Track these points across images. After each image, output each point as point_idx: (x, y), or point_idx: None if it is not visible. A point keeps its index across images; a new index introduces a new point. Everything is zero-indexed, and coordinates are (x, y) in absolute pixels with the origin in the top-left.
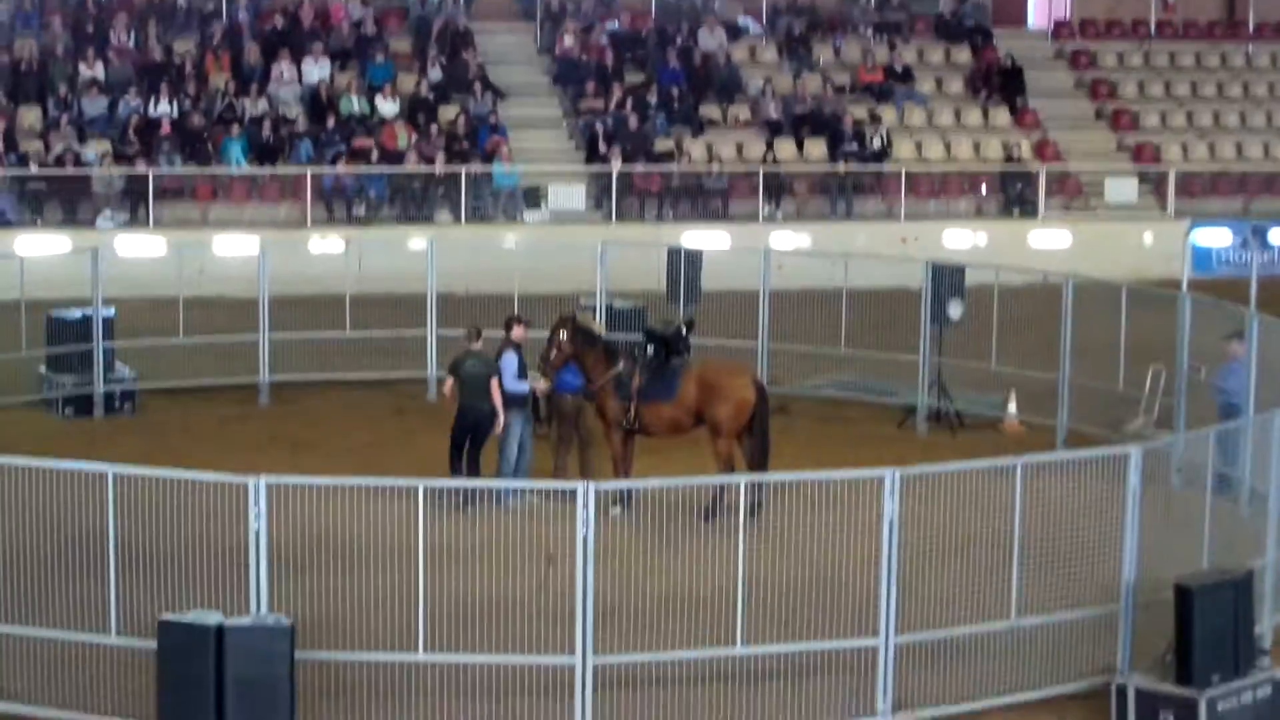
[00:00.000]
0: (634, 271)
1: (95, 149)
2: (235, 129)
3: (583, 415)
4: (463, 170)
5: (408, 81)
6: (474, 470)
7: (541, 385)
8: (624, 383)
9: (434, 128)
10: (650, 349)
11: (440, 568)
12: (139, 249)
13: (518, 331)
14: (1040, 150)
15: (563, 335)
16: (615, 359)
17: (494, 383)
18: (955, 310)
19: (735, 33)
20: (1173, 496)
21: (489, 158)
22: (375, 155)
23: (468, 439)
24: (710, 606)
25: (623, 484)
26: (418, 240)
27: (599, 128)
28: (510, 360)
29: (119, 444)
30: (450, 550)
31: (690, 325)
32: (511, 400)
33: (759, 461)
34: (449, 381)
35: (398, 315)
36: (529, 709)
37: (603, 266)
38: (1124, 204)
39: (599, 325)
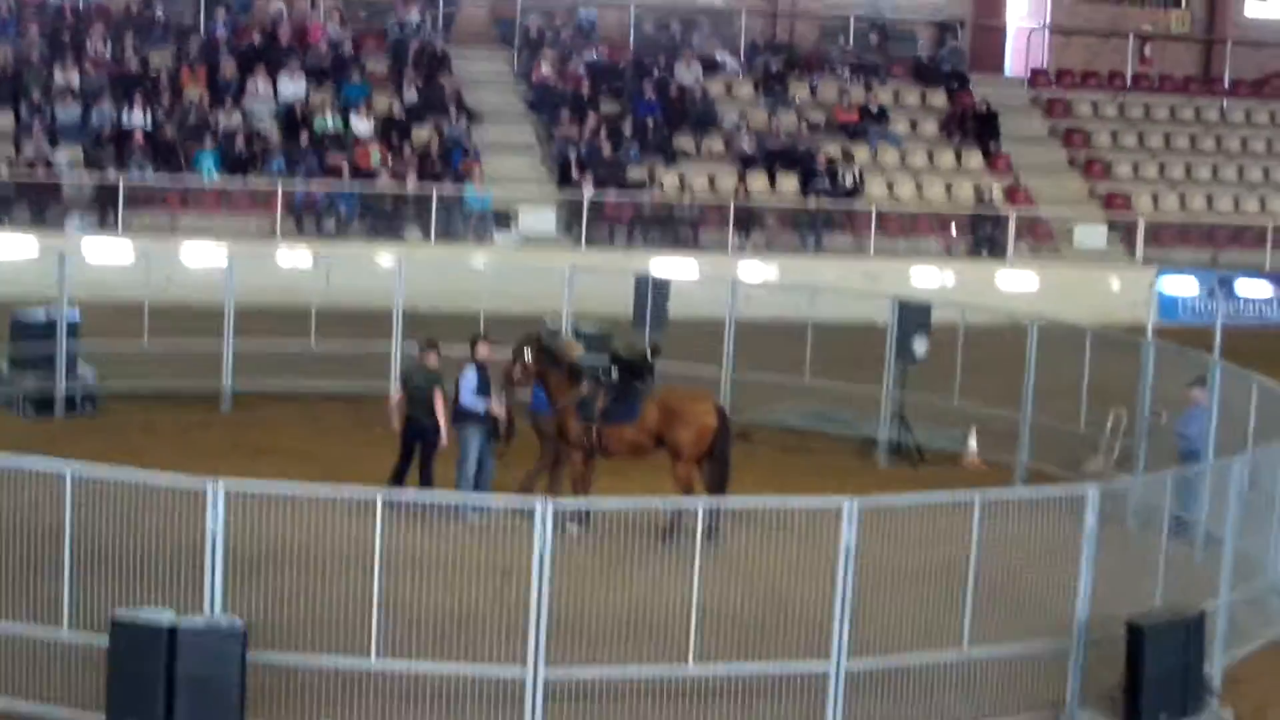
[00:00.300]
0: (602, 296)
1: (67, 155)
2: (209, 141)
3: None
4: (434, 190)
5: (383, 102)
6: (426, 485)
7: (496, 408)
8: (587, 404)
9: (407, 147)
10: (614, 372)
11: (396, 577)
12: (107, 254)
13: (482, 350)
14: (1011, 194)
15: (528, 355)
16: (579, 380)
17: (437, 397)
18: (920, 347)
19: (713, 68)
20: (1129, 537)
21: (461, 179)
22: (347, 172)
23: (413, 452)
24: (664, 626)
25: (581, 503)
26: (386, 257)
27: (572, 154)
28: (470, 377)
29: (79, 444)
30: (406, 560)
31: (656, 351)
32: (467, 416)
33: (718, 487)
34: (398, 394)
35: (364, 330)
36: (480, 719)
37: (570, 290)
38: (1093, 250)
39: (577, 347)
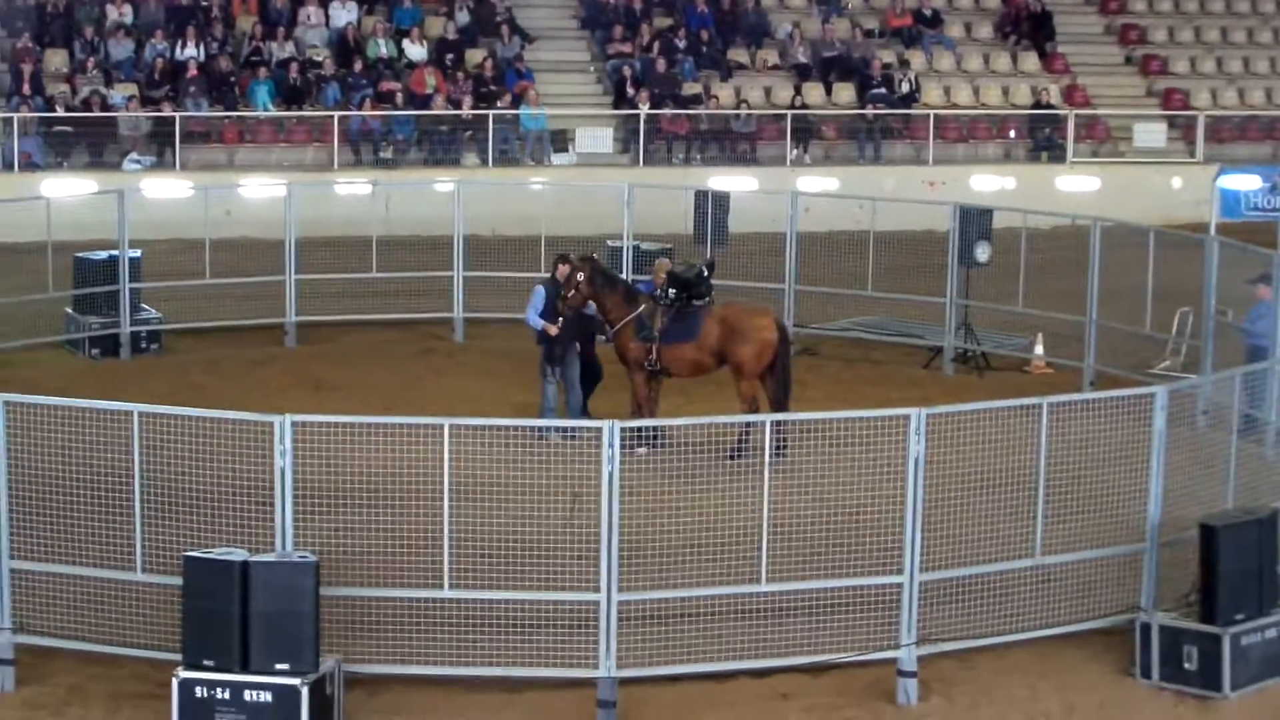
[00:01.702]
0: (661, 214)
1: (121, 92)
2: (262, 72)
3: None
4: (490, 114)
5: (435, 25)
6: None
7: (551, 329)
8: (645, 324)
9: (461, 72)
10: (672, 291)
11: (466, 505)
12: (165, 191)
13: (561, 270)
14: (1069, 95)
15: (581, 276)
16: (635, 300)
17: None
18: (983, 253)
19: None
20: (1198, 437)
21: (516, 101)
22: (402, 98)
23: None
24: (735, 545)
25: (647, 423)
26: (444, 183)
27: (626, 71)
28: (539, 295)
29: (145, 384)
30: (476, 488)
31: (711, 267)
32: (540, 334)
33: (781, 401)
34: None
35: (424, 257)
36: (553, 645)
37: (629, 209)
38: (1152, 149)
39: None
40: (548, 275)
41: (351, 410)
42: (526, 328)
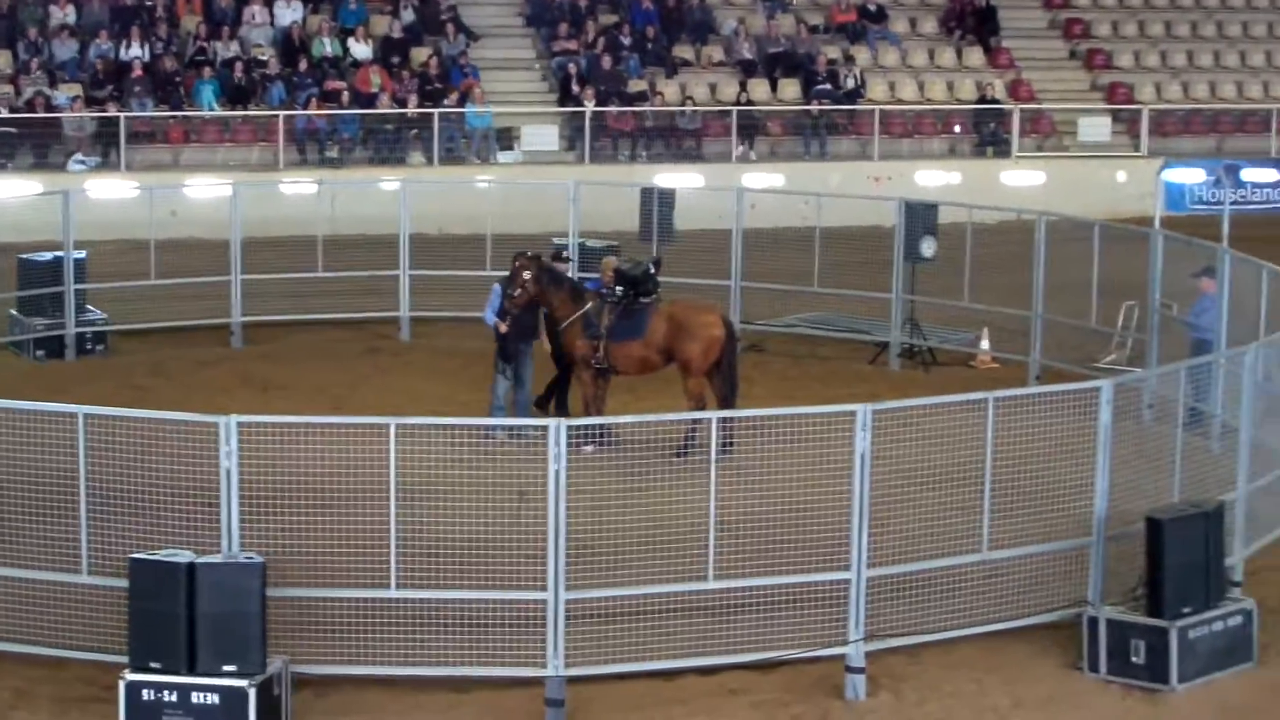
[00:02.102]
0: (607, 212)
1: (66, 93)
2: (207, 72)
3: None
4: (435, 112)
5: (380, 24)
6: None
7: (502, 326)
8: (592, 322)
9: (406, 70)
10: (619, 289)
11: (412, 505)
12: (110, 192)
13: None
14: (1014, 90)
15: (527, 275)
16: (582, 298)
17: None
18: (928, 248)
19: None
20: (1144, 431)
21: (462, 99)
22: (347, 97)
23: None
24: (682, 542)
25: (595, 421)
26: (390, 182)
27: (572, 69)
28: (495, 293)
29: (90, 385)
30: (422, 487)
31: (658, 264)
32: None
33: (728, 399)
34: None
35: (370, 256)
36: (502, 644)
37: (575, 207)
38: (1097, 143)
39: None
40: (505, 275)
41: (298, 410)
42: (473, 326)
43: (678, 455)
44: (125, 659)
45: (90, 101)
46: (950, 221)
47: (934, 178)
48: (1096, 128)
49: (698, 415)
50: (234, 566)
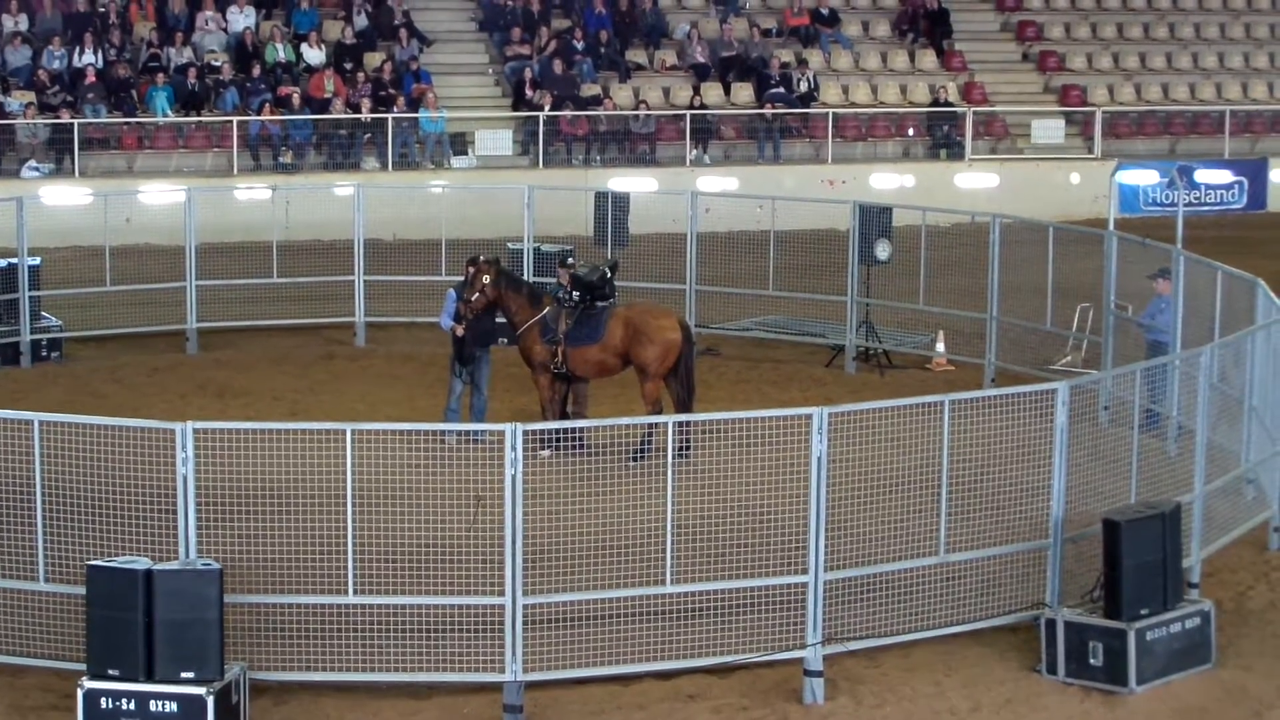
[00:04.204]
0: (561, 216)
1: (19, 99)
2: (160, 78)
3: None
4: (389, 117)
5: (333, 29)
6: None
7: (458, 329)
8: (550, 327)
9: (360, 75)
10: (575, 294)
11: (369, 510)
12: (65, 198)
13: (470, 272)
14: (967, 92)
15: (486, 279)
16: (540, 303)
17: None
18: (883, 251)
19: None
20: (1100, 433)
21: (415, 104)
22: (299, 103)
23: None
24: (640, 546)
25: (551, 425)
26: (344, 187)
27: (525, 73)
28: (450, 298)
29: (46, 392)
30: (380, 492)
31: (614, 269)
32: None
33: (685, 402)
34: None
35: (325, 262)
36: (460, 649)
37: (530, 211)
38: (1050, 145)
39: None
40: (460, 279)
41: (254, 416)
42: (429, 331)
43: (634, 459)
44: (83, 666)
45: (43, 108)
46: (905, 224)
47: (888, 181)
48: (1050, 130)
49: (654, 419)
50: (191, 573)
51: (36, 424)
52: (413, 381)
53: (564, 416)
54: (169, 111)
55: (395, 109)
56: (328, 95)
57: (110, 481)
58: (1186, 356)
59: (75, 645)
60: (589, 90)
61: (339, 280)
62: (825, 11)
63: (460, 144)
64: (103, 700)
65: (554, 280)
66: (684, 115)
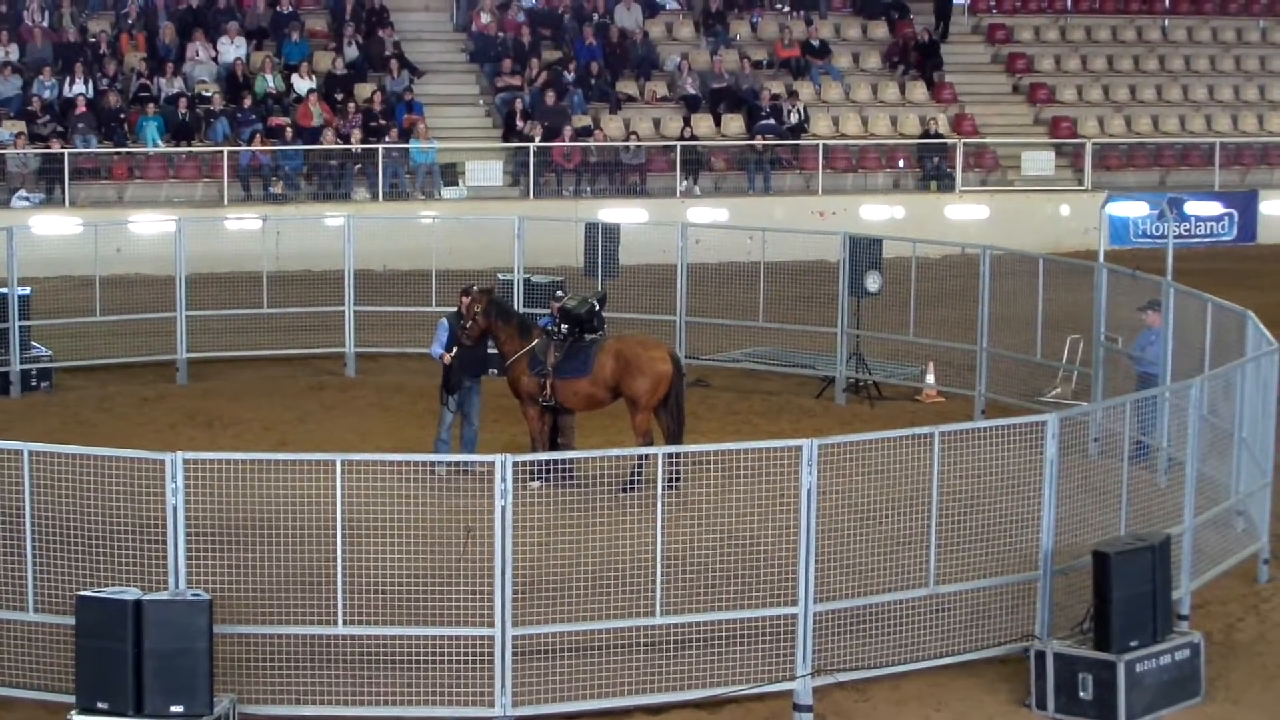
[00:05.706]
0: (551, 247)
1: (9, 129)
2: (151, 108)
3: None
4: (380, 148)
5: (324, 60)
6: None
7: (447, 357)
8: (538, 359)
9: (351, 105)
10: (564, 327)
11: (359, 541)
12: (55, 228)
13: (463, 302)
14: (957, 124)
15: (478, 309)
16: (529, 334)
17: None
18: (873, 283)
19: (652, 9)
20: (1090, 465)
21: (406, 135)
22: (290, 133)
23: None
24: (629, 578)
25: (541, 456)
26: (335, 218)
27: (516, 104)
28: (443, 327)
29: (36, 422)
30: (369, 523)
31: (602, 301)
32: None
33: (675, 434)
34: None
35: (315, 292)
36: (450, 682)
37: (520, 242)
38: (1040, 177)
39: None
40: (453, 309)
41: (244, 447)
42: (419, 362)
43: (624, 490)
44: (73, 698)
45: (34, 138)
46: (895, 256)
47: (878, 212)
48: (1040, 162)
49: (645, 450)
50: (181, 604)
51: (26, 454)
52: (403, 412)
53: (554, 448)
54: (159, 142)
55: (387, 139)
56: (316, 124)
57: (100, 512)
58: (1176, 388)
59: (65, 676)
60: (579, 121)
61: (329, 311)
62: (816, 43)
63: (451, 175)
64: None
65: (546, 311)
66: (674, 146)
